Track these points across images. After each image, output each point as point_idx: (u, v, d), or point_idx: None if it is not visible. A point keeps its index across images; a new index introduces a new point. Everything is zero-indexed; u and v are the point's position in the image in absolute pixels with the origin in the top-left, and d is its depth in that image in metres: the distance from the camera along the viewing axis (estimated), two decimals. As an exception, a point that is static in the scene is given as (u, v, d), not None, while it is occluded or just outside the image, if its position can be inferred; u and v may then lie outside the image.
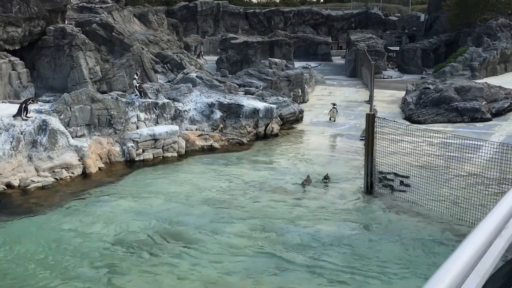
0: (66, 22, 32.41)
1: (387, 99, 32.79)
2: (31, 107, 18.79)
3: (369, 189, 16.58)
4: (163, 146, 20.76)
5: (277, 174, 18.65)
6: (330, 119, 26.83)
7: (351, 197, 16.28)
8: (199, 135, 22.43)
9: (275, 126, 24.63)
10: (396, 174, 17.02)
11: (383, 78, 43.35)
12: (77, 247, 12.57)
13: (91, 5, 38.57)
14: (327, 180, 17.51)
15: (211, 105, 23.86)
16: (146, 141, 20.43)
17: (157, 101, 22.61)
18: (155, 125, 21.78)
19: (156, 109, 22.23)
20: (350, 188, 17.06)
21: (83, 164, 18.29)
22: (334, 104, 27.17)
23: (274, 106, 25.17)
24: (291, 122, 26.53)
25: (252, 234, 13.42)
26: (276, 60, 36.47)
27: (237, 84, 30.57)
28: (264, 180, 17.87)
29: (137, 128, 21.24)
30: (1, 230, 13.54)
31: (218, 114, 23.62)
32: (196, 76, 30.18)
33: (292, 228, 13.83)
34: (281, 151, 21.99)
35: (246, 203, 15.74)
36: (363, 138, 19.96)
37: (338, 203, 15.73)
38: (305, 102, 32.04)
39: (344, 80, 42.73)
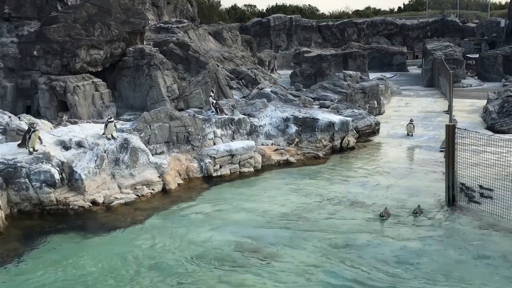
0: (145, 42, 33.58)
1: (467, 109, 31.77)
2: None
3: (451, 202, 16.06)
4: (239, 161, 20.97)
5: (354, 188, 18.41)
6: (407, 134, 26.23)
7: (432, 211, 15.79)
8: (275, 150, 22.52)
9: (351, 139, 24.38)
10: (480, 187, 16.39)
11: (462, 87, 42.14)
12: (159, 263, 12.87)
13: (168, 25, 39.80)
14: (417, 214, 15.41)
15: (286, 120, 23.93)
16: (223, 156, 20.72)
17: (233, 117, 22.92)
18: (231, 140, 22.07)
19: (232, 125, 22.54)
20: (431, 201, 16.57)
21: (163, 181, 18.76)
22: (411, 120, 26.61)
23: (349, 119, 24.94)
24: (367, 134, 26.21)
25: (330, 250, 13.28)
26: (351, 72, 36.17)
27: (312, 98, 30.55)
28: (341, 194, 17.68)
29: (214, 144, 21.59)
30: (86, 246, 14.07)
31: (293, 129, 23.64)
32: (271, 91, 30.43)
33: (371, 244, 13.57)
34: (358, 164, 21.70)
35: (324, 217, 15.61)
36: (443, 149, 19.39)
37: (419, 217, 15.30)
38: (381, 114, 31.60)
39: (421, 90, 41.81)
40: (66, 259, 13.10)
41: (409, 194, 17.39)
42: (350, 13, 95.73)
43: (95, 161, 17.48)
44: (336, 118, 24.46)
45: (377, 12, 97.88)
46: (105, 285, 11.87)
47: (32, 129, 16.95)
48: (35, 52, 29.48)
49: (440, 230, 14.45)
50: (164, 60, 30.93)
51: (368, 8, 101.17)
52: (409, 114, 29.37)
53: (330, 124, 23.95)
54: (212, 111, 23.07)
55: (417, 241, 13.64)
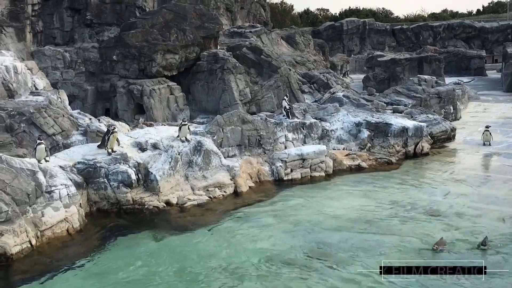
0: (218, 47, 34.14)
1: (551, 115, 30.41)
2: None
3: (531, 213, 15.44)
4: (310, 165, 20.95)
5: (428, 195, 18.01)
6: (484, 143, 25.19)
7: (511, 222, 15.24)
8: (346, 155, 22.35)
9: (425, 145, 23.84)
10: None
11: (546, 92, 40.29)
12: (228, 264, 13.04)
13: (241, 30, 40.27)
14: (485, 247, 13.56)
15: (358, 124, 23.70)
16: (294, 160, 20.76)
17: (305, 121, 22.93)
18: (302, 145, 22.09)
19: (303, 129, 22.55)
20: (510, 211, 15.97)
21: (234, 183, 19.01)
22: (487, 127, 25.54)
23: (423, 124, 24.40)
24: (442, 140, 25.53)
25: (402, 257, 13.04)
26: (426, 76, 35.41)
27: (385, 103, 30.11)
28: (414, 201, 17.32)
29: (285, 148, 21.67)
30: (159, 245, 14.44)
31: (365, 133, 23.39)
32: (343, 95, 30.23)
33: (445, 251, 13.24)
34: (432, 171, 21.19)
35: (396, 224, 15.35)
36: (524, 157, 18.63)
37: (500, 226, 14.76)
38: (457, 120, 30.71)
39: (500, 96, 40.34)
40: (139, 258, 13.53)
41: (486, 203, 16.85)
42: (426, 16, 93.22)
43: (170, 162, 17.95)
44: (409, 123, 24.01)
45: (454, 14, 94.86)
46: (174, 284, 12.16)
47: (111, 131, 17.60)
48: (114, 57, 30.59)
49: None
50: (237, 64, 31.34)
51: (445, 10, 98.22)
52: (487, 120, 28.37)
53: (404, 129, 23.53)
54: (284, 115, 23.16)
55: (494, 252, 13.18)
